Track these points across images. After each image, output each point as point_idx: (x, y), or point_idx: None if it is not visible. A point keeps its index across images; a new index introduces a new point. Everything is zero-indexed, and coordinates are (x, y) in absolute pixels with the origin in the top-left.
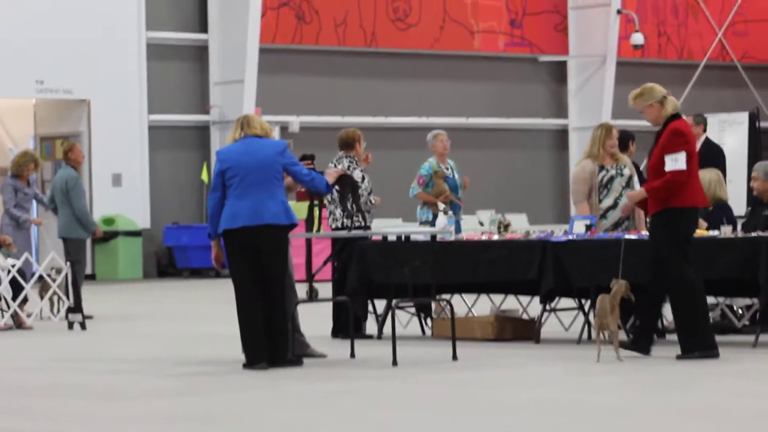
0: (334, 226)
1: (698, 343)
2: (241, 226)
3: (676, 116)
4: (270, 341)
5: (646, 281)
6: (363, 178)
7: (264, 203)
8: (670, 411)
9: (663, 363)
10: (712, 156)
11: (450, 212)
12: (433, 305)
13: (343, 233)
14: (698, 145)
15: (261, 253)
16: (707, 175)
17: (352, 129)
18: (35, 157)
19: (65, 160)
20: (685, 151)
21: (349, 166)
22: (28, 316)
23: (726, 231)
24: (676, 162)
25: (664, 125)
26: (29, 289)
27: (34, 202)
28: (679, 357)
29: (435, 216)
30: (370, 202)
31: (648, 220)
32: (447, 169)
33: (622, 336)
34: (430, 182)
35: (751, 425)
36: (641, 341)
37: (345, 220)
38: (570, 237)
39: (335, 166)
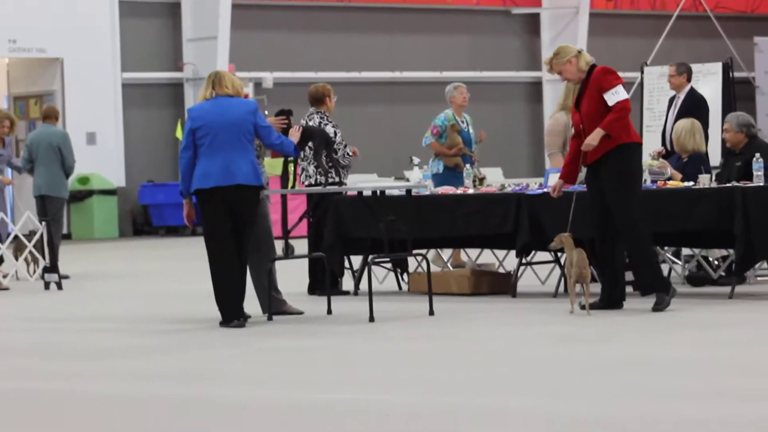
0: (307, 183)
1: (659, 283)
2: (213, 186)
3: (594, 66)
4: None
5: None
6: (335, 134)
7: (235, 162)
8: (644, 364)
9: (638, 314)
10: (695, 106)
11: (467, 165)
12: (432, 256)
13: (318, 189)
14: (682, 96)
15: (234, 212)
16: (680, 125)
17: (321, 84)
18: (10, 115)
19: (48, 120)
20: (620, 84)
21: (320, 122)
22: (4, 276)
23: (704, 180)
24: (617, 94)
25: (587, 76)
26: (5, 249)
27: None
28: (655, 308)
29: (446, 168)
30: (348, 154)
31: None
32: (462, 122)
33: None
34: (444, 133)
35: (722, 374)
36: (612, 297)
37: (319, 177)
38: (545, 190)
39: (307, 122)
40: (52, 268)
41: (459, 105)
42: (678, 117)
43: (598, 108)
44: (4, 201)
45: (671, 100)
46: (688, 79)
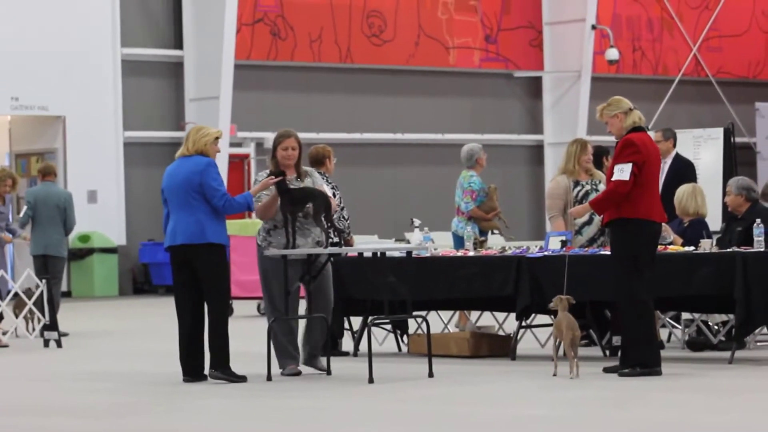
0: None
1: (639, 358)
2: (168, 245)
3: (637, 129)
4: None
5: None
6: (335, 195)
7: (179, 222)
8: (643, 428)
9: (641, 379)
10: (682, 170)
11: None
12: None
13: (319, 250)
14: (669, 161)
15: (192, 270)
16: (681, 189)
17: (321, 145)
18: (13, 174)
19: (48, 177)
20: (632, 161)
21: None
22: (4, 333)
23: (705, 245)
24: (621, 172)
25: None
26: (4, 306)
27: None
28: (620, 373)
29: (483, 232)
30: (343, 217)
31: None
32: None
33: (595, 351)
34: (479, 197)
35: None
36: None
37: (300, 240)
38: (545, 253)
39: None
40: (52, 325)
41: (482, 167)
42: (666, 182)
43: (611, 173)
44: (5, 258)
45: None
46: (674, 144)
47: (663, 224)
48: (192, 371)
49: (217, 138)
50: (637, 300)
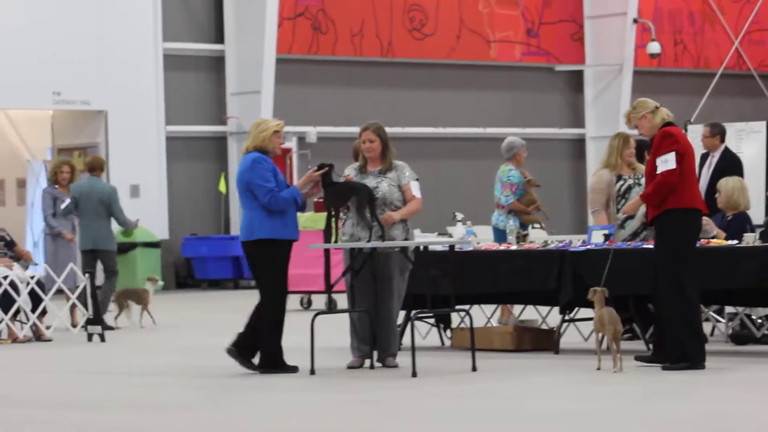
0: (344, 239)
1: (684, 353)
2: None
3: (668, 124)
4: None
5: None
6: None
7: (241, 220)
8: (686, 421)
9: (680, 372)
10: (730, 166)
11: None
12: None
13: (362, 244)
14: (717, 155)
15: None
16: (730, 183)
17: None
18: (70, 161)
19: (95, 172)
20: (675, 151)
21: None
22: (48, 327)
23: (749, 239)
24: (666, 163)
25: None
26: (48, 301)
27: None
28: (664, 367)
29: (523, 225)
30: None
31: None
32: None
33: (639, 345)
34: (518, 190)
35: None
36: (660, 352)
37: (360, 232)
38: (588, 247)
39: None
40: (96, 320)
41: (521, 162)
42: (713, 176)
43: (652, 171)
44: (74, 251)
45: (703, 157)
46: (722, 140)
47: (706, 218)
48: (242, 352)
49: (276, 131)
50: (685, 293)
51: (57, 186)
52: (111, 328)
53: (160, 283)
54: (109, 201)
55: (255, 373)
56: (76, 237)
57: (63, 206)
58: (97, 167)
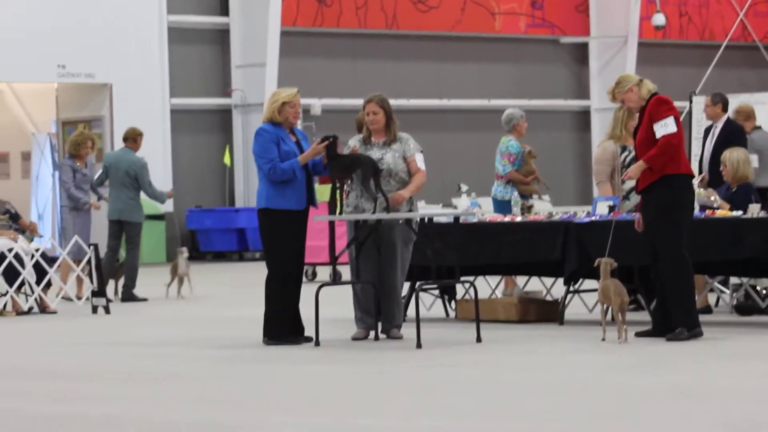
0: (348, 210)
1: (685, 320)
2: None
3: (654, 94)
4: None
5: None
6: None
7: None
8: (691, 393)
9: (684, 343)
10: (734, 136)
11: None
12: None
13: (366, 216)
14: (719, 125)
15: None
16: (734, 155)
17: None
18: (92, 136)
19: (128, 143)
20: (673, 115)
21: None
22: (65, 297)
23: (754, 209)
24: (666, 127)
25: (646, 103)
26: (53, 273)
27: None
28: (668, 338)
29: (522, 195)
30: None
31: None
32: None
33: (644, 316)
34: (518, 161)
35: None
36: (661, 326)
37: (365, 204)
38: (593, 218)
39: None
40: (100, 292)
41: (521, 134)
42: (716, 146)
43: (649, 136)
44: (89, 223)
45: (707, 130)
46: (724, 109)
47: (709, 189)
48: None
49: (285, 102)
50: (685, 259)
51: (77, 158)
52: (142, 300)
53: (186, 253)
54: (135, 173)
55: (266, 346)
56: (103, 206)
57: (96, 177)
58: (129, 138)
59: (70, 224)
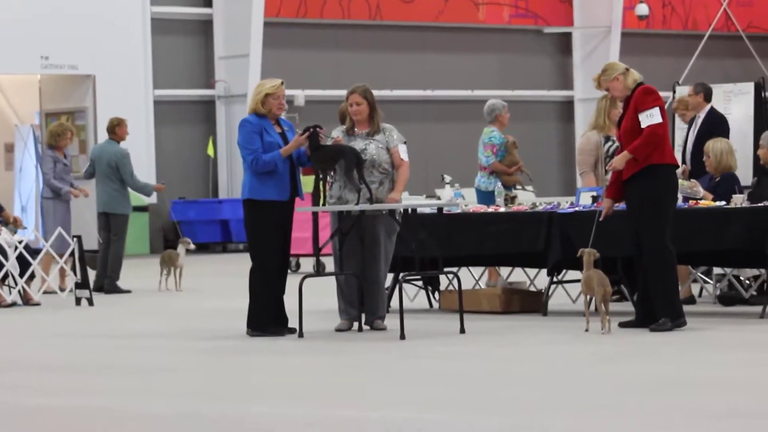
0: (331, 202)
1: (669, 310)
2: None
3: (640, 84)
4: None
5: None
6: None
7: None
8: (675, 383)
9: (667, 333)
10: (716, 126)
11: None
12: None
13: (350, 207)
14: (702, 115)
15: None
16: (718, 145)
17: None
18: (71, 127)
19: (110, 135)
20: (658, 106)
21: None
22: (62, 290)
23: (737, 200)
24: (651, 117)
25: (631, 93)
26: (36, 265)
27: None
28: (652, 328)
29: (505, 186)
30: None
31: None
32: None
33: (627, 307)
34: (500, 152)
35: (748, 394)
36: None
37: (348, 195)
38: (576, 208)
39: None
40: (83, 284)
41: (503, 124)
42: (698, 136)
43: (634, 126)
44: (69, 213)
45: (691, 120)
46: (706, 99)
47: (692, 180)
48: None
49: (268, 94)
50: (669, 250)
51: (56, 149)
52: (126, 292)
53: (192, 246)
54: (116, 165)
55: (250, 337)
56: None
57: (84, 170)
58: (109, 129)
59: (50, 214)
